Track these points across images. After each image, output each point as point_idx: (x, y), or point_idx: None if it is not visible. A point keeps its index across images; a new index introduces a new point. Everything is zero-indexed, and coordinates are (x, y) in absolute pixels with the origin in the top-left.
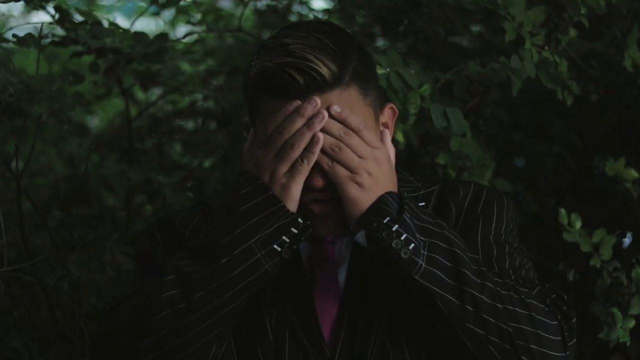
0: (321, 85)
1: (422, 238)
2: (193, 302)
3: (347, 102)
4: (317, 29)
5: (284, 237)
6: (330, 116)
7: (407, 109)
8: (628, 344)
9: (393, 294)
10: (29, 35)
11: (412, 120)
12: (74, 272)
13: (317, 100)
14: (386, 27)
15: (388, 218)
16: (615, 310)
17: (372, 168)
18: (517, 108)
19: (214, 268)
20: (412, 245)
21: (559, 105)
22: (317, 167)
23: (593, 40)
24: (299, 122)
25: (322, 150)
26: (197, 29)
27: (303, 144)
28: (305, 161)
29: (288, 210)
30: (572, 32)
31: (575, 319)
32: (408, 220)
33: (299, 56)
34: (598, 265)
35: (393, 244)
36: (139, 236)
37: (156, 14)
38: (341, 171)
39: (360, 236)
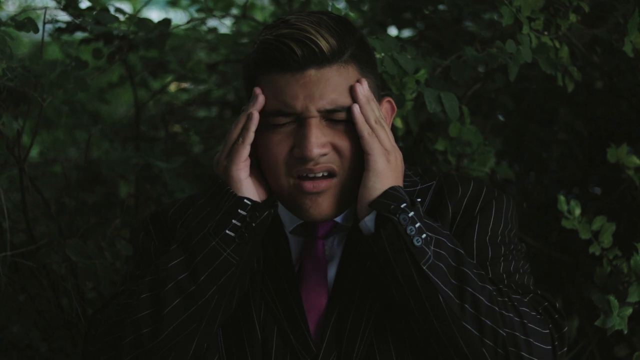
0: (319, 59)
1: (430, 233)
2: (163, 297)
3: (345, 79)
4: (321, 12)
5: (234, 221)
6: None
7: (404, 94)
8: (625, 331)
9: (383, 292)
10: (28, 19)
11: (409, 105)
12: (71, 257)
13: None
14: (393, 14)
15: (404, 204)
16: (612, 297)
17: (398, 155)
18: (523, 95)
19: (180, 263)
20: (424, 235)
21: (567, 93)
22: (309, 136)
23: (596, 27)
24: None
25: (366, 120)
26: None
27: (239, 128)
28: (241, 139)
29: (233, 193)
30: (573, 18)
31: (566, 328)
32: (421, 211)
33: (298, 28)
34: (597, 253)
35: (408, 230)
36: (135, 230)
37: (171, 2)
38: (377, 143)
39: (367, 222)
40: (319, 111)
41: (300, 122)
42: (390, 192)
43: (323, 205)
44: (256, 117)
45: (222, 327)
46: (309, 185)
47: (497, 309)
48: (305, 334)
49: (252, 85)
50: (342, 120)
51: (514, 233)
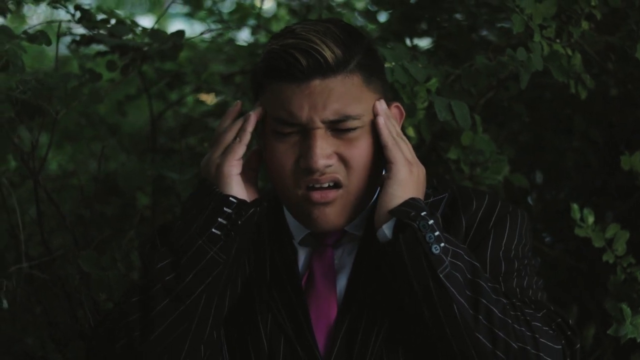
0: (324, 69)
1: (448, 245)
2: (152, 298)
3: (349, 89)
4: (329, 21)
5: (219, 220)
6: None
7: (415, 103)
8: (638, 340)
9: (395, 303)
10: (40, 32)
11: (421, 114)
12: (84, 268)
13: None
14: (408, 24)
15: (424, 212)
16: (624, 306)
17: (420, 170)
18: (537, 103)
19: (167, 264)
20: (442, 244)
21: (582, 101)
22: (314, 147)
23: (610, 34)
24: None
25: (390, 132)
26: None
27: (236, 129)
28: (238, 139)
29: (219, 192)
30: (585, 25)
31: (579, 345)
32: (440, 222)
33: (304, 38)
34: (611, 261)
35: (427, 237)
36: (142, 242)
37: (189, 14)
38: (400, 153)
39: (384, 230)
40: (324, 122)
41: (306, 133)
42: (411, 202)
43: (331, 215)
44: (253, 118)
45: (226, 338)
46: (317, 195)
47: (510, 321)
48: (312, 345)
49: (258, 94)
50: (347, 130)
51: (527, 248)
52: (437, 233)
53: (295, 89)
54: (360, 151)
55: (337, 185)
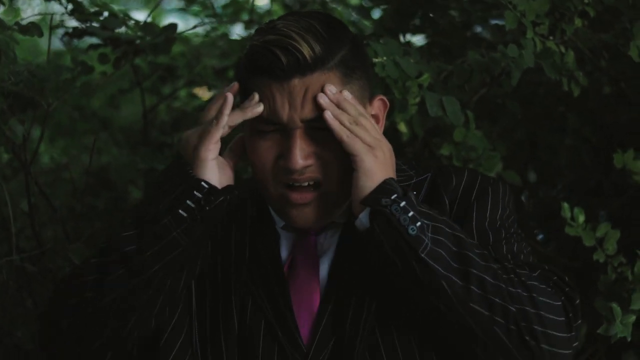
0: (302, 67)
1: (426, 221)
2: (109, 264)
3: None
4: (312, 16)
5: (188, 202)
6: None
7: (407, 98)
8: (629, 339)
9: (381, 285)
10: (32, 23)
11: (413, 110)
12: (74, 260)
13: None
14: (402, 20)
15: (395, 195)
16: (614, 305)
17: (385, 148)
18: (531, 100)
19: (130, 236)
20: (418, 223)
21: (575, 98)
22: (293, 148)
23: (603, 31)
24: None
25: (341, 123)
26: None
27: (215, 109)
28: (215, 121)
29: (192, 174)
30: (578, 22)
31: (579, 300)
32: (413, 200)
33: (284, 34)
34: (602, 260)
35: (401, 220)
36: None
37: (183, 9)
38: (359, 143)
39: (362, 219)
40: (302, 121)
41: (286, 132)
42: (382, 187)
43: (309, 215)
44: (230, 99)
45: (198, 319)
46: (295, 196)
47: (503, 286)
48: (294, 332)
49: (243, 89)
50: (325, 129)
51: (512, 219)
52: (411, 213)
53: (278, 86)
54: (338, 152)
55: (316, 185)
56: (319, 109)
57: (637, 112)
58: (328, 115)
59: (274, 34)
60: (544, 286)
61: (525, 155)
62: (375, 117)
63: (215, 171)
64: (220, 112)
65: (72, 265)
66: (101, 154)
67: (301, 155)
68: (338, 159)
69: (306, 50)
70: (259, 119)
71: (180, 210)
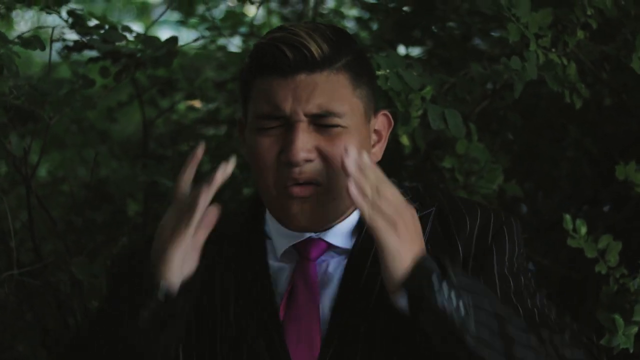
0: (310, 64)
1: (466, 297)
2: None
3: (334, 86)
4: (321, 23)
5: (148, 304)
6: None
7: (409, 111)
8: (631, 350)
9: (391, 329)
10: (34, 36)
11: (415, 122)
12: (76, 275)
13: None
14: (402, 32)
15: (435, 273)
16: (617, 316)
17: (407, 216)
18: (533, 112)
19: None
20: (461, 302)
21: (577, 110)
22: (295, 140)
23: (605, 43)
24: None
25: (364, 193)
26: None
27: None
28: (186, 223)
29: (153, 274)
30: (581, 34)
31: None
32: (452, 277)
33: (292, 32)
34: (604, 272)
35: (446, 307)
36: (113, 262)
37: (180, 21)
38: (380, 220)
39: (400, 301)
40: (307, 115)
41: (289, 126)
42: (417, 270)
43: (309, 211)
44: (207, 194)
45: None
46: (296, 189)
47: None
48: None
49: (246, 91)
50: (330, 126)
51: (524, 256)
52: (453, 294)
53: (282, 82)
54: (341, 150)
55: (316, 184)
56: (325, 106)
57: (638, 124)
58: (352, 186)
59: (281, 32)
60: (578, 352)
61: (526, 166)
62: (378, 133)
63: (179, 267)
64: (193, 209)
65: (72, 279)
66: (99, 167)
67: (303, 148)
68: (339, 158)
69: (314, 48)
70: (260, 116)
71: (141, 310)
